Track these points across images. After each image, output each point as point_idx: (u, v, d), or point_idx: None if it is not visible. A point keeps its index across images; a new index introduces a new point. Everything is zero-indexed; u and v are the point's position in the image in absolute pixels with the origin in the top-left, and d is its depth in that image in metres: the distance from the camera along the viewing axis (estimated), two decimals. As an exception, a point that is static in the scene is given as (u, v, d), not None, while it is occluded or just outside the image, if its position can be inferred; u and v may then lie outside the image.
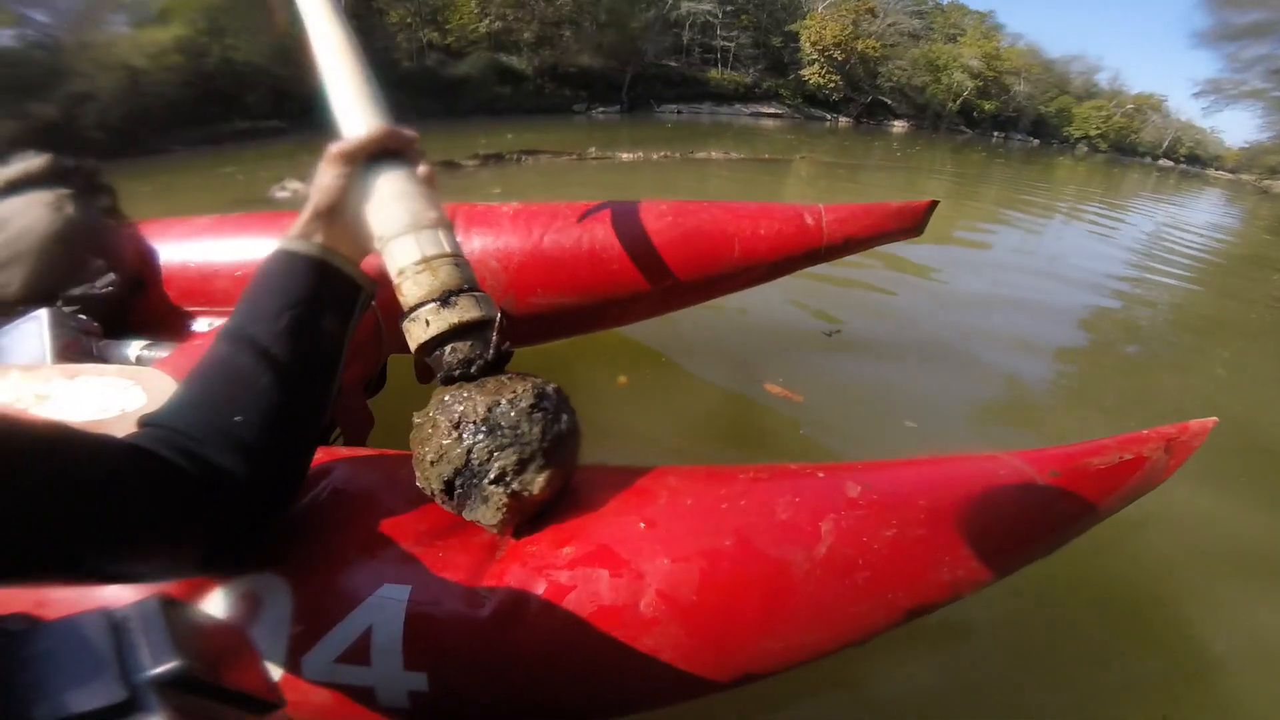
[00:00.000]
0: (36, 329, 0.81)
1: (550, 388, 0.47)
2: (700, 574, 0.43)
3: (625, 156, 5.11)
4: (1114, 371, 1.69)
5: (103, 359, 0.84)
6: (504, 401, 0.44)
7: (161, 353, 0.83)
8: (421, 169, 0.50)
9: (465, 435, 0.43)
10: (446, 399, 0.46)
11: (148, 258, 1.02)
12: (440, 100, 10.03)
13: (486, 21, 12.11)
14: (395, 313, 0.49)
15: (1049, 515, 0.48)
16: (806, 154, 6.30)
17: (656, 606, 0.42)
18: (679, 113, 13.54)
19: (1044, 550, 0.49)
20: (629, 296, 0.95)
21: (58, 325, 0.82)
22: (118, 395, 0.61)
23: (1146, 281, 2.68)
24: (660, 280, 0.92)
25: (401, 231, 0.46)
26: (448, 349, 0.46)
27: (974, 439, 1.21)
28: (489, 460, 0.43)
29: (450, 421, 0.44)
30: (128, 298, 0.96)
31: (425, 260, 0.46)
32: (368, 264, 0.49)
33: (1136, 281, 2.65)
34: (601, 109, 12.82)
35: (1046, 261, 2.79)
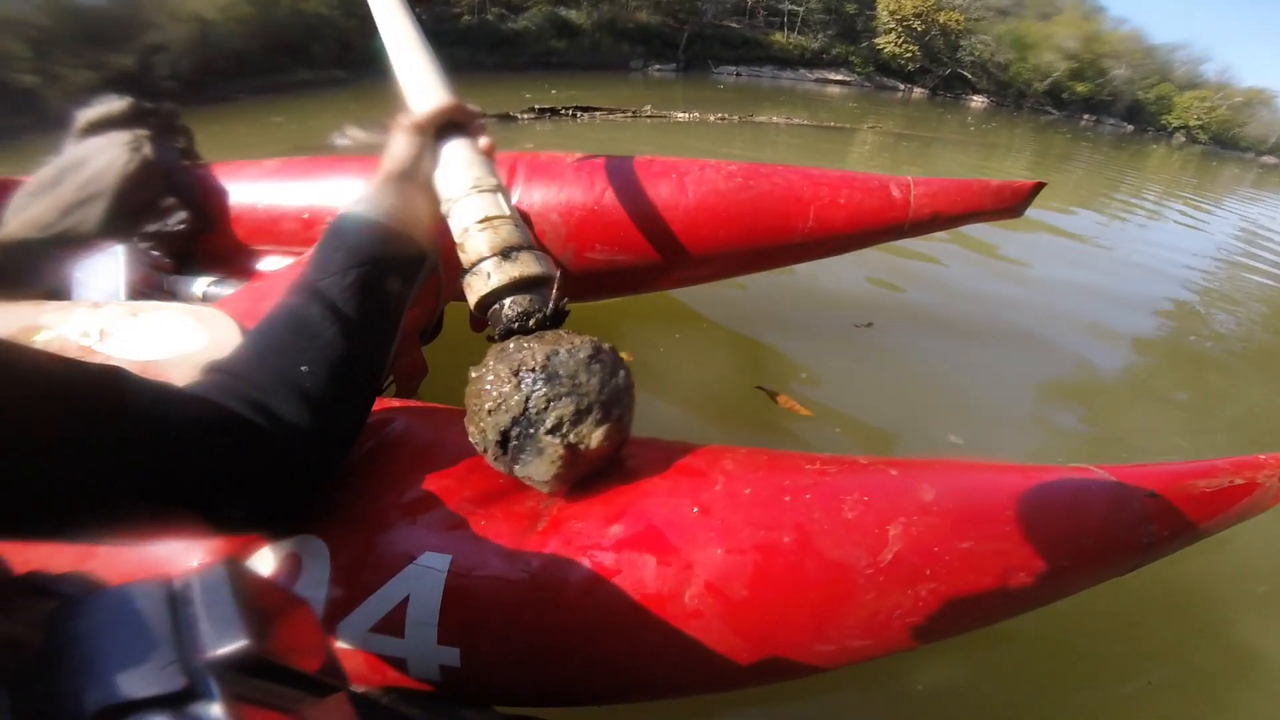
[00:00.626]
0: (113, 263, 0.85)
1: (606, 346, 0.47)
2: (754, 569, 0.40)
3: (681, 116, 4.95)
4: (1197, 381, 1.52)
5: (173, 293, 0.88)
6: (562, 351, 0.44)
7: (226, 290, 0.86)
8: (483, 141, 0.53)
9: (524, 383, 0.43)
10: (509, 347, 0.45)
11: (218, 197, 1.04)
12: (497, 54, 9.98)
13: (549, -27, 11.86)
14: (454, 263, 0.50)
15: (1141, 537, 0.43)
16: (875, 124, 5.96)
17: (703, 599, 0.40)
18: (738, 75, 13.03)
19: (1127, 570, 0.45)
20: (690, 258, 0.91)
21: (132, 260, 0.86)
22: (178, 334, 0.61)
23: (1238, 280, 2.42)
24: (725, 244, 0.87)
25: (465, 193, 0.49)
26: (507, 302, 0.47)
27: (1031, 458, 1.09)
28: (546, 409, 0.42)
29: (510, 369, 0.43)
30: (198, 235, 0.99)
31: (487, 219, 0.48)
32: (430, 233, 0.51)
33: (1227, 279, 2.40)
34: (658, 67, 12.47)
35: (1127, 251, 2.55)
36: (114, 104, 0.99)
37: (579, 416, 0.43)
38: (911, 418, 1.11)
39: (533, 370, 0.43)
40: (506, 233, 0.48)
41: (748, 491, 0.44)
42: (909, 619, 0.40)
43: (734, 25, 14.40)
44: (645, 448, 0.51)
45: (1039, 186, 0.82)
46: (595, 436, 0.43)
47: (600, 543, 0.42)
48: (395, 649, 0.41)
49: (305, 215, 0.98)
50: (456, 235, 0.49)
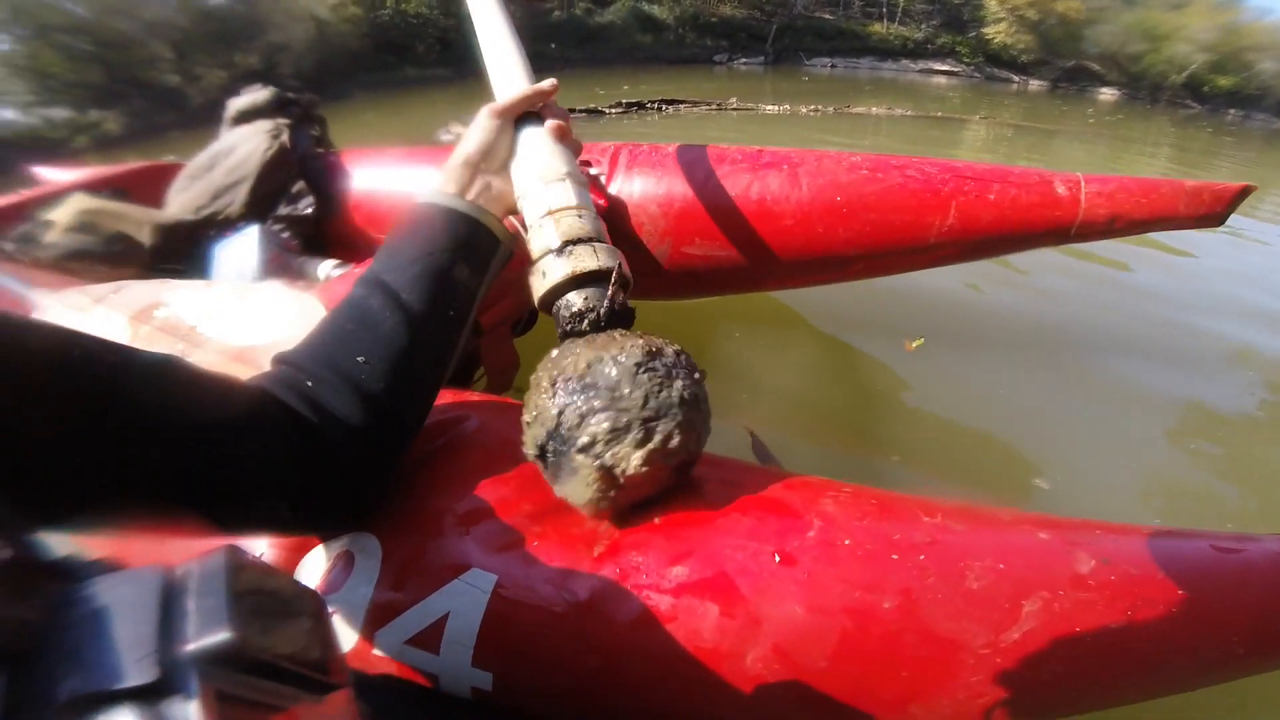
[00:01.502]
0: (249, 243, 0.91)
1: (671, 349, 0.40)
2: (838, 635, 0.33)
3: (770, 108, 4.78)
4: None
5: (300, 274, 0.92)
6: (608, 356, 0.39)
7: (344, 271, 0.89)
8: (551, 123, 0.51)
9: (559, 393, 0.38)
10: (554, 354, 0.41)
11: (345, 184, 1.09)
12: (584, 49, 10.15)
13: (635, -31, 11.96)
14: None
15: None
16: (988, 114, 5.47)
17: (767, 662, 0.34)
18: (832, 66, 12.50)
19: None
20: (801, 258, 0.81)
21: (266, 241, 0.92)
22: (275, 318, 0.62)
23: None
24: (845, 243, 0.77)
25: (533, 183, 0.47)
26: (562, 301, 0.43)
27: (1142, 513, 0.87)
28: (579, 425, 0.37)
29: (550, 378, 0.39)
30: (325, 220, 1.05)
31: (550, 212, 0.45)
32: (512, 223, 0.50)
33: None
34: (744, 60, 12.21)
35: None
36: (260, 94, 1.08)
37: (615, 435, 0.37)
38: (988, 454, 0.95)
39: (569, 379, 0.38)
40: (567, 225, 0.45)
41: (847, 542, 0.36)
42: (1019, 705, 0.33)
43: (827, 17, 13.86)
44: (730, 472, 0.44)
45: (1245, 191, 0.66)
46: (634, 459, 0.37)
47: (658, 582, 0.37)
48: (429, 664, 0.38)
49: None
50: (530, 229, 0.47)
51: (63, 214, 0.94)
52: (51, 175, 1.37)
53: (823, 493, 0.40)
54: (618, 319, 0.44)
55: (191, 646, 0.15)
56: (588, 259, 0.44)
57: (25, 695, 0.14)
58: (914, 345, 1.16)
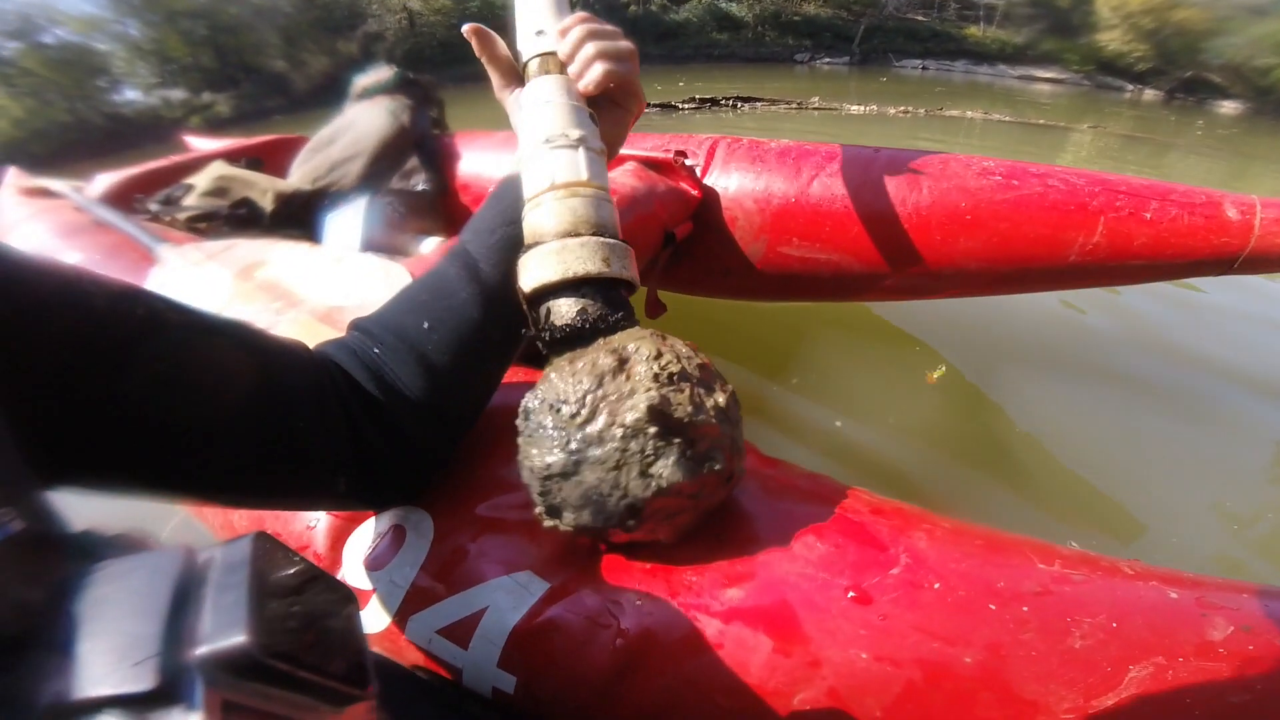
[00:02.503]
0: (355, 214, 0.95)
1: (645, 352, 0.33)
2: (903, 688, 0.29)
3: (854, 109, 4.60)
4: None
5: (402, 249, 0.96)
6: (554, 379, 0.34)
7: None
8: (570, 70, 0.40)
9: (520, 428, 0.35)
10: (543, 380, 0.35)
11: (455, 164, 1.13)
12: (662, 46, 10.14)
13: (707, -34, 11.86)
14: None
15: None
16: (1098, 124, 5.07)
17: (816, 705, 0.31)
18: (924, 69, 11.93)
19: None
20: (915, 268, 0.76)
21: (373, 213, 0.96)
22: (364, 283, 0.63)
23: None
24: (969, 255, 0.71)
25: (534, 150, 0.37)
26: (548, 308, 0.36)
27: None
28: (521, 454, 0.35)
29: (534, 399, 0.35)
30: (435, 198, 1.10)
31: (552, 186, 0.36)
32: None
33: None
34: (827, 60, 11.84)
35: None
36: (383, 73, 1.14)
37: (547, 487, 0.34)
38: (1090, 492, 0.85)
39: (524, 413, 0.35)
40: (571, 208, 0.36)
41: (937, 586, 0.32)
42: None
43: (920, 18, 13.26)
44: (811, 488, 0.40)
45: None
46: (567, 519, 0.34)
47: (709, 605, 0.34)
48: (456, 658, 0.37)
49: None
50: (526, 203, 0.38)
51: (202, 179, 1.03)
52: (199, 144, 1.50)
53: (917, 524, 0.36)
54: (612, 330, 0.36)
55: (202, 650, 0.13)
56: (587, 260, 0.35)
57: (8, 691, 0.12)
58: (935, 376, 1.06)
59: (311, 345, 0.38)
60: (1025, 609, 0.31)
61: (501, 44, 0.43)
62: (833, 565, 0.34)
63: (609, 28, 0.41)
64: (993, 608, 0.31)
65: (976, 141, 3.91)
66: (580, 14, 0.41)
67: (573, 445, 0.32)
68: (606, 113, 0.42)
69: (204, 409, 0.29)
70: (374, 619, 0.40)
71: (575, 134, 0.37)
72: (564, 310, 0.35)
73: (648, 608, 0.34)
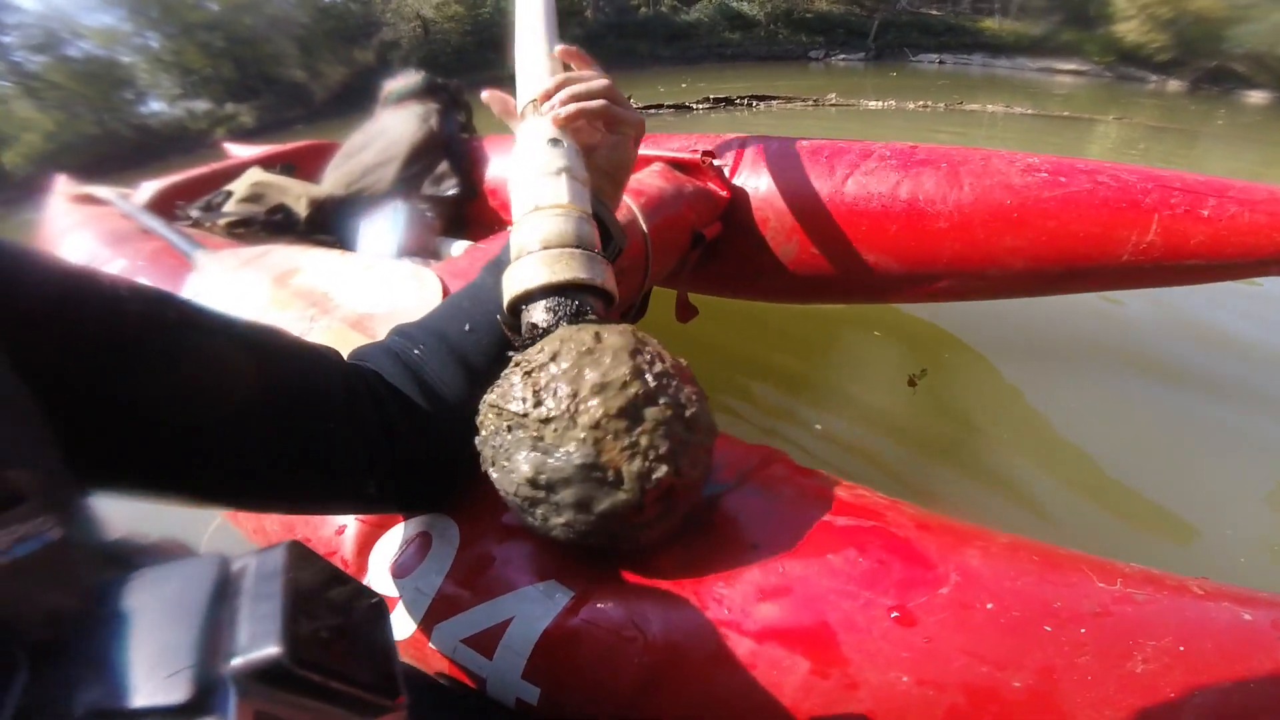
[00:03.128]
0: (391, 219, 0.96)
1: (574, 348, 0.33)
2: (945, 714, 0.28)
3: (872, 104, 4.55)
4: None
5: (436, 253, 0.97)
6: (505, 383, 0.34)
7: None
8: (555, 113, 0.45)
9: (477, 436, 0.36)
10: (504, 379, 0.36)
11: (485, 168, 1.14)
12: (674, 47, 10.14)
13: (716, -36, 11.88)
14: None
15: None
16: (1122, 115, 4.96)
17: None
18: (941, 63, 11.79)
19: None
20: (956, 268, 0.74)
21: (407, 219, 0.96)
22: (395, 290, 0.64)
23: None
24: (1013, 254, 0.69)
25: (519, 178, 0.42)
26: (531, 309, 0.37)
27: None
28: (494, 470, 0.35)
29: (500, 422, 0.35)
30: (465, 202, 1.11)
31: (537, 208, 0.40)
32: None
33: None
34: (842, 56, 11.75)
35: None
36: (412, 78, 1.16)
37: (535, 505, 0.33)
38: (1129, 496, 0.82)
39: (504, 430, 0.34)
40: (550, 224, 0.38)
41: (990, 606, 0.30)
42: None
43: (934, 12, 13.11)
44: (854, 500, 0.38)
45: None
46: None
47: (741, 621, 0.32)
48: (480, 668, 0.36)
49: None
50: (515, 214, 0.42)
51: (239, 186, 1.05)
52: (238, 151, 1.55)
53: (969, 541, 0.34)
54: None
55: (237, 661, 0.13)
56: (560, 268, 0.37)
57: (41, 699, 0.12)
58: (917, 377, 1.03)
59: (344, 351, 0.39)
60: (1083, 630, 0.29)
61: (513, 101, 0.50)
62: (876, 583, 0.32)
63: (586, 72, 0.47)
64: (1048, 629, 0.29)
65: (1000, 135, 3.84)
66: (564, 50, 0.49)
67: (547, 441, 0.31)
68: (604, 140, 0.47)
69: (236, 413, 0.30)
70: (399, 626, 0.40)
71: (556, 165, 0.42)
72: (536, 314, 0.37)
73: (675, 620, 0.33)
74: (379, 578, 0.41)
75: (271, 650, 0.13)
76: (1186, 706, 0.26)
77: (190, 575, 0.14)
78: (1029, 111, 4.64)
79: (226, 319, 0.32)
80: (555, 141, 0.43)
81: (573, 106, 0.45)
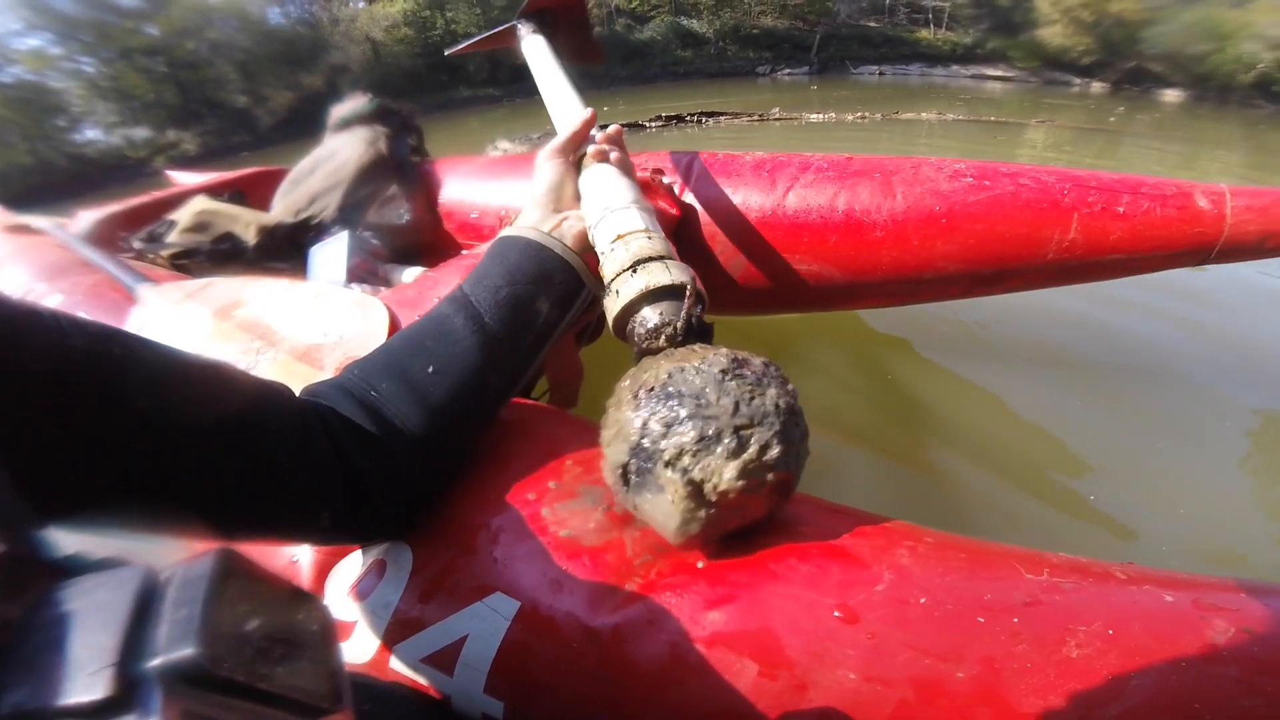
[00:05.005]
0: (339, 248, 0.95)
1: (759, 359, 0.38)
2: (895, 708, 0.29)
3: (814, 117, 4.73)
4: None
5: (387, 280, 0.96)
6: (689, 366, 0.36)
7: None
8: (614, 156, 0.53)
9: (642, 405, 0.36)
10: (639, 365, 0.39)
11: (437, 192, 1.12)
12: (629, 67, 10.31)
13: (666, -17, 12.15)
14: None
15: None
16: (1046, 118, 5.27)
17: None
18: (880, 74, 12.31)
19: None
20: (894, 274, 0.77)
21: (355, 246, 0.95)
22: (342, 320, 0.64)
23: None
24: (945, 259, 0.73)
25: (601, 215, 0.48)
26: (637, 320, 0.42)
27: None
28: (664, 435, 0.34)
29: (631, 390, 0.37)
30: (416, 227, 1.10)
31: (619, 237, 0.46)
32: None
33: None
34: (788, 71, 12.15)
35: None
36: (361, 102, 1.14)
37: (704, 444, 0.33)
38: (1074, 488, 0.86)
39: (651, 389, 0.36)
40: (638, 246, 0.45)
41: (923, 600, 0.31)
42: None
43: (872, 24, 13.69)
44: (792, 507, 0.40)
45: None
46: (725, 474, 0.33)
47: (691, 629, 0.33)
48: (443, 684, 0.37)
49: (502, 214, 1.03)
50: (601, 256, 0.47)
51: (183, 215, 1.02)
52: (181, 178, 1.50)
53: (900, 540, 0.36)
54: (695, 334, 0.42)
55: (158, 661, 0.13)
56: (660, 274, 0.43)
57: None
58: None
59: (292, 383, 0.39)
60: (1016, 620, 0.30)
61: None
62: (817, 583, 0.33)
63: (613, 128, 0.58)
64: (982, 621, 0.30)
65: (939, 142, 4.03)
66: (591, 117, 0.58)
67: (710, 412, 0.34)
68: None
69: (184, 447, 0.30)
70: (362, 648, 0.40)
71: (630, 197, 0.50)
72: (649, 318, 0.42)
73: (626, 632, 0.34)
74: (337, 602, 0.41)
75: (189, 650, 0.13)
76: (1122, 688, 0.27)
77: (117, 582, 0.15)
78: (961, 118, 4.89)
79: (174, 353, 0.32)
80: (623, 178, 0.51)
81: (615, 150, 0.54)
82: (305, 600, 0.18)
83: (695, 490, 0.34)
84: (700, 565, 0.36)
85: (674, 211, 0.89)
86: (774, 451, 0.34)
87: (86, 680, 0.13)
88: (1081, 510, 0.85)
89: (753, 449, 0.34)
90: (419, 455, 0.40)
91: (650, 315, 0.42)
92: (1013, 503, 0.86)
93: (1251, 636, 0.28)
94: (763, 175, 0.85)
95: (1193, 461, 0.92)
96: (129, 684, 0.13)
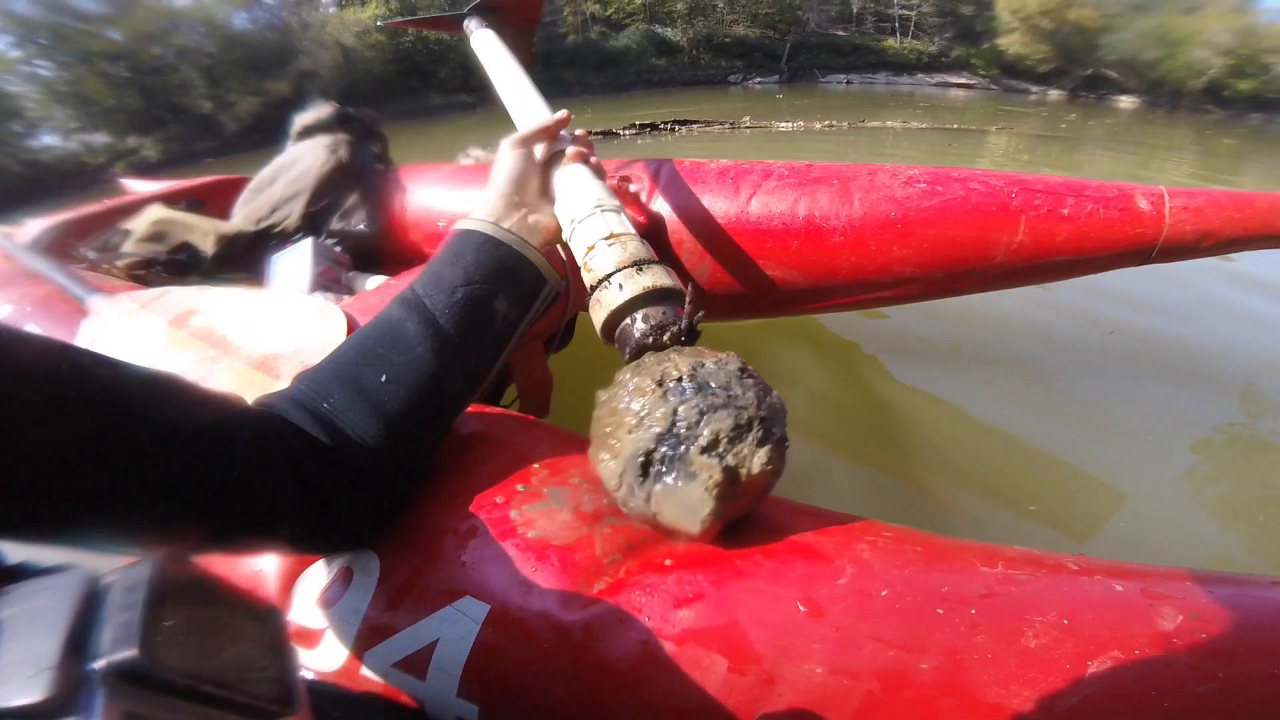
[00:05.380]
0: (302, 256, 0.92)
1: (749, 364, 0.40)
2: (863, 700, 0.29)
3: (783, 126, 4.81)
4: None
5: (349, 288, 0.94)
6: (709, 363, 0.38)
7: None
8: (588, 156, 0.53)
9: (671, 393, 0.37)
10: (646, 361, 0.40)
11: (401, 200, 1.10)
12: (603, 75, 10.36)
13: (640, -9, 12.26)
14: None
15: None
16: (1005, 125, 5.45)
17: None
18: (848, 82, 12.57)
19: None
20: (853, 278, 0.79)
21: (318, 254, 0.93)
22: (300, 328, 0.63)
23: None
24: (901, 263, 0.75)
25: (589, 212, 0.48)
26: (639, 316, 0.43)
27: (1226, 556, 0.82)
28: (699, 422, 0.36)
29: (654, 379, 0.38)
30: (380, 235, 1.08)
31: (614, 235, 0.46)
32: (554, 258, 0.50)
33: None
34: (759, 79, 12.35)
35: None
36: (322, 110, 1.12)
37: (738, 433, 0.36)
38: (1037, 485, 0.90)
39: (679, 380, 0.37)
40: (634, 248, 0.46)
41: (885, 593, 0.32)
42: None
43: (840, 33, 13.98)
44: (759, 507, 0.41)
45: None
46: (757, 459, 0.36)
47: (660, 626, 0.33)
48: (415, 689, 0.37)
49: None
50: (580, 255, 0.47)
51: (139, 224, 0.98)
52: (137, 186, 1.44)
53: (859, 536, 0.37)
54: (692, 336, 0.43)
55: (100, 664, 0.13)
56: (662, 277, 0.44)
57: None
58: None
59: (248, 393, 0.38)
60: (974, 611, 0.31)
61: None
62: (783, 578, 0.34)
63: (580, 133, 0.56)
64: (941, 612, 0.31)
65: (904, 149, 4.14)
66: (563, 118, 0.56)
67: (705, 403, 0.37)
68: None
69: (136, 461, 0.29)
70: (330, 657, 0.39)
71: (614, 201, 0.50)
72: (651, 316, 0.43)
73: (597, 631, 0.34)
74: (304, 611, 0.41)
75: (129, 653, 0.14)
76: (1080, 677, 0.28)
77: (59, 587, 0.15)
78: (925, 126, 5.03)
79: (124, 367, 0.31)
80: (597, 180, 0.51)
81: (584, 149, 0.53)
82: (250, 604, 0.18)
83: (730, 475, 0.35)
84: (668, 563, 0.36)
85: (642, 219, 0.90)
86: (787, 442, 0.38)
87: (26, 683, 0.13)
88: (1034, 507, 0.88)
89: (775, 439, 0.37)
90: (376, 467, 0.39)
91: (653, 314, 0.43)
92: (968, 501, 0.89)
93: (1198, 623, 0.29)
94: (727, 182, 0.87)
95: (1141, 460, 0.96)
96: (71, 686, 0.13)
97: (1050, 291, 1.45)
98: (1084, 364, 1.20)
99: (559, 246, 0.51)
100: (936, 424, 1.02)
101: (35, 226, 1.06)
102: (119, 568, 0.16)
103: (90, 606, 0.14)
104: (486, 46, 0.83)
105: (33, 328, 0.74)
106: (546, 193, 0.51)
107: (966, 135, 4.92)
